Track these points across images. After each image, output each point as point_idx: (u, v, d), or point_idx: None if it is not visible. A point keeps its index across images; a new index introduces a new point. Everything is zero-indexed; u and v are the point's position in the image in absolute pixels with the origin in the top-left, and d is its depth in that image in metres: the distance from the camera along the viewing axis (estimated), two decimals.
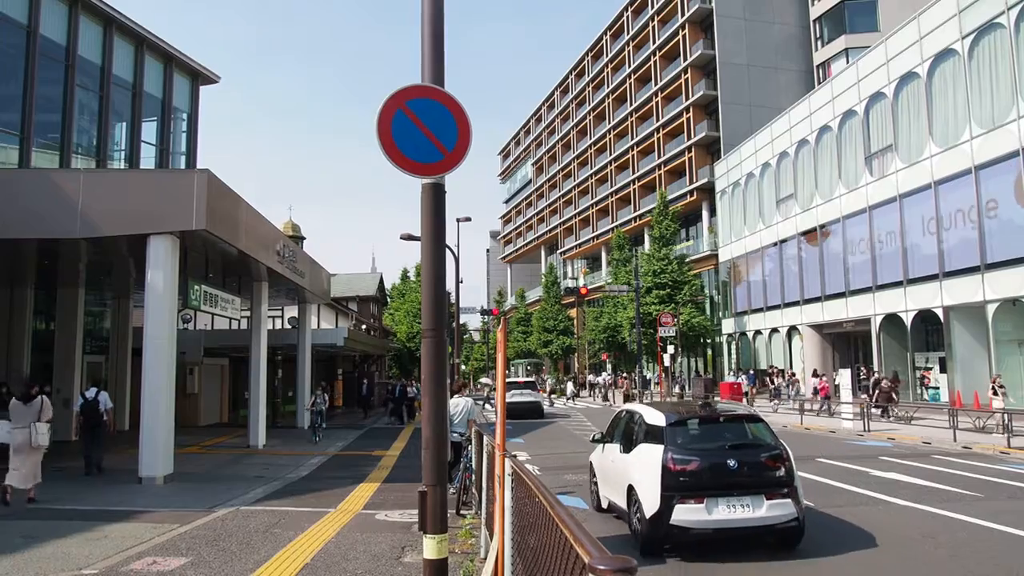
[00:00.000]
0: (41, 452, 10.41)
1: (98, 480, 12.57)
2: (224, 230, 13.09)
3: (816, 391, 28.74)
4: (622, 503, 8.33)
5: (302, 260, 20.36)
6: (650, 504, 7.38)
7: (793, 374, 33.27)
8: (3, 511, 9.61)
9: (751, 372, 36.07)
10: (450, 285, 30.74)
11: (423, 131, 4.80)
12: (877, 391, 23.11)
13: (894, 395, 23.36)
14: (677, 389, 35.34)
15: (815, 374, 30.83)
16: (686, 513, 7.22)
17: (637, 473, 7.87)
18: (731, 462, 7.45)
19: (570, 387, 42.52)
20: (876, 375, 25.00)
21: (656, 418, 8.14)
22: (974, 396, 23.30)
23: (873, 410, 23.32)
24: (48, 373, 18.76)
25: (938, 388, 26.48)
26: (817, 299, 33.54)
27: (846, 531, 8.44)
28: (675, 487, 7.29)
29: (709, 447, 7.74)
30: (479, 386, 58.47)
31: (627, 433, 8.81)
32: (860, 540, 7.99)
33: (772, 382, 33.16)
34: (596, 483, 9.98)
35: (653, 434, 7.96)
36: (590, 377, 52.30)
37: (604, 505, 9.52)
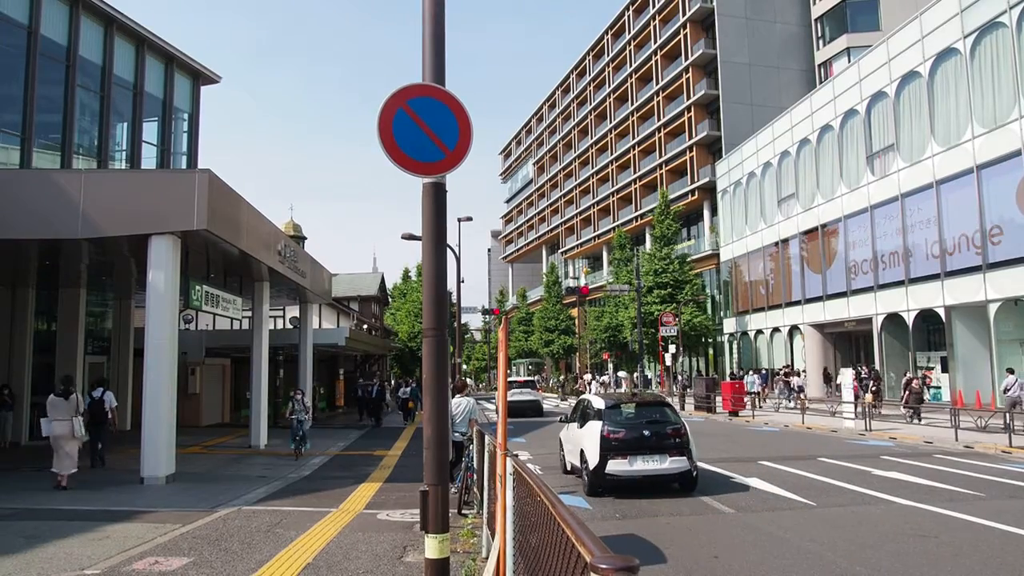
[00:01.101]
0: (79, 441, 11.69)
1: (100, 480, 12.58)
2: (225, 230, 13.08)
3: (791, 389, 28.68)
4: (577, 463, 11.83)
5: (303, 260, 20.35)
6: (593, 460, 10.78)
7: (791, 370, 33.10)
8: (5, 512, 9.64)
9: (763, 371, 35.79)
10: (451, 285, 30.69)
11: (424, 130, 4.80)
12: (908, 391, 22.14)
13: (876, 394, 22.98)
14: (678, 389, 35.23)
15: (825, 374, 30.67)
16: (616, 466, 10.65)
17: (586, 440, 11.21)
18: (646, 432, 10.90)
19: (595, 387, 39.22)
20: (908, 375, 24.35)
21: (599, 403, 11.69)
22: (976, 396, 23.30)
23: (901, 409, 22.49)
24: (50, 374, 18.77)
25: (940, 388, 26.45)
26: (819, 299, 33.51)
27: (839, 529, 8.43)
28: (609, 449, 10.71)
29: (633, 423, 11.18)
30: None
31: (582, 414, 12.15)
32: (855, 539, 7.99)
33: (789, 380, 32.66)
34: (563, 452, 13.33)
35: (596, 414, 11.39)
36: (586, 376, 52.10)
37: (568, 468, 12.89)
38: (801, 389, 28.86)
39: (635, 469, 10.64)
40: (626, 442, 10.77)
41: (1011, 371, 20.06)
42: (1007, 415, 16.77)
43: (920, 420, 21.27)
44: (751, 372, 34.91)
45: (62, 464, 11.38)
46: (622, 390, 40.26)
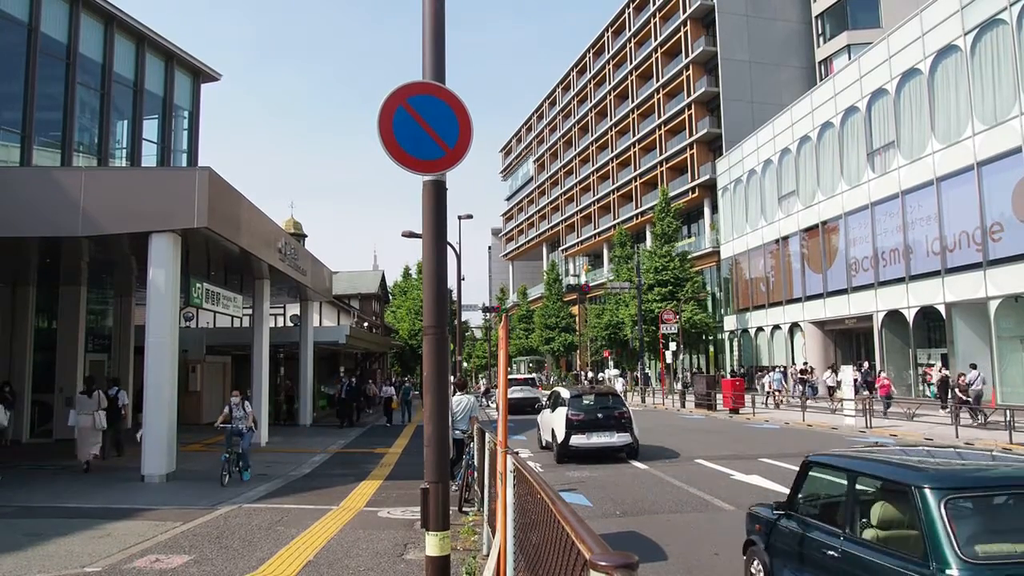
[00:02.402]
0: (100, 432, 13.68)
1: (101, 477, 12.60)
2: (225, 228, 13.08)
3: (822, 387, 28.25)
4: (550, 439, 15.84)
5: (304, 258, 20.36)
6: (560, 436, 14.72)
7: (810, 369, 32.10)
8: (7, 510, 9.66)
9: (783, 369, 33.46)
10: (452, 282, 30.65)
11: (424, 128, 4.79)
12: (958, 390, 19.59)
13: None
14: (679, 386, 35.18)
15: (871, 371, 28.96)
16: (577, 440, 14.54)
17: (556, 422, 15.23)
18: (600, 415, 14.85)
19: (620, 384, 36.75)
20: (943, 371, 21.71)
21: (566, 394, 15.80)
22: None
23: (945, 411, 19.76)
24: (51, 371, 18.78)
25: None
26: (819, 296, 33.50)
27: None
28: (572, 427, 14.58)
29: (590, 408, 15.07)
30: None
31: (555, 402, 16.20)
32: None
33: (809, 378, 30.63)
34: (540, 432, 17.41)
35: (564, 402, 15.33)
36: (587, 373, 52.08)
37: (543, 444, 16.87)
38: (837, 386, 27.15)
39: (591, 442, 14.58)
40: (585, 422, 14.69)
41: (974, 366, 21.27)
42: (1008, 412, 16.77)
43: (983, 422, 18.84)
44: (776, 370, 32.47)
45: (83, 451, 13.30)
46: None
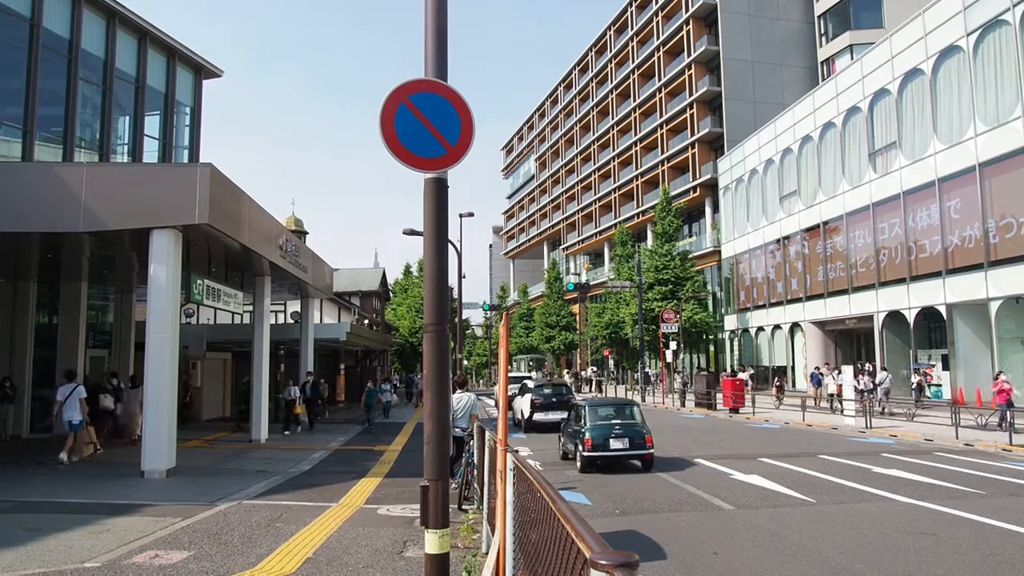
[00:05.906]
0: (140, 415, 15.28)
1: (101, 473, 12.60)
2: (226, 224, 13.07)
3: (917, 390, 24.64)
4: (519, 417, 21.68)
5: (304, 255, 20.35)
6: (526, 414, 21.10)
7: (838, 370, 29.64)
8: (6, 506, 9.67)
9: (841, 370, 25.56)
10: (452, 280, 30.64)
11: (426, 125, 4.79)
12: None
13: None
14: (679, 386, 35.14)
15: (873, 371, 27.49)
16: (538, 416, 20.80)
17: (524, 404, 21.48)
18: (554, 399, 20.97)
19: (594, 379, 37.79)
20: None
21: (531, 384, 23.17)
22: (976, 393, 23.28)
23: None
24: (51, 367, 18.78)
25: (940, 386, 26.44)
26: (820, 296, 33.49)
27: (838, 526, 8.44)
28: (535, 407, 20.98)
29: (548, 394, 21.34)
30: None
31: (523, 390, 22.56)
32: (857, 535, 7.99)
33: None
34: (513, 412, 21.77)
35: (529, 390, 21.96)
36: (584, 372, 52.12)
37: (516, 422, 21.85)
38: (873, 388, 24.17)
39: (548, 418, 20.23)
40: (544, 404, 20.84)
41: (884, 369, 25.37)
42: (1008, 414, 16.77)
43: (985, 423, 18.23)
44: (843, 371, 23.91)
45: (133, 430, 16.31)
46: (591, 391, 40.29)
